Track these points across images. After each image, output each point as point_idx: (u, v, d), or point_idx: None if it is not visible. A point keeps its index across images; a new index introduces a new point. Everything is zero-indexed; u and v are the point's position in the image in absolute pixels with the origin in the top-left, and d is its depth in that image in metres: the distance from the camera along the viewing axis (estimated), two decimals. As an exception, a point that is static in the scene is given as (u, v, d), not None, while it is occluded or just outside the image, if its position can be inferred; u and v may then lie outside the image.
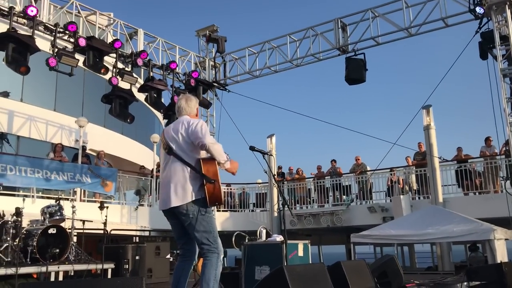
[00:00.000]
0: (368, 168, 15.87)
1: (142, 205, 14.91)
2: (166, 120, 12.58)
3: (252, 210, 17.73)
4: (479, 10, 10.36)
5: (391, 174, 15.03)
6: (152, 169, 15.95)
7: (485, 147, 13.55)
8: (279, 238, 6.95)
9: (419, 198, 14.47)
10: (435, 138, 13.47)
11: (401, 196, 13.57)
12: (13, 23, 9.34)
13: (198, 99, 4.61)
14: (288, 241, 6.40)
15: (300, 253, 6.86)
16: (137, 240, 12.56)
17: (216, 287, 3.95)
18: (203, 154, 4.17)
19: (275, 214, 15.96)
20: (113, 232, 11.32)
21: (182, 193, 3.99)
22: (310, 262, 7.10)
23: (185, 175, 4.04)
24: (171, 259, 10.74)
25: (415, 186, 14.67)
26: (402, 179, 14.96)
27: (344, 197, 15.93)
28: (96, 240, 10.70)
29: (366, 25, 11.93)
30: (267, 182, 16.56)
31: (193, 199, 3.99)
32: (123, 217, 14.05)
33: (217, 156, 4.05)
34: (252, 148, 5.24)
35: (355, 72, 11.75)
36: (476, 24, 10.66)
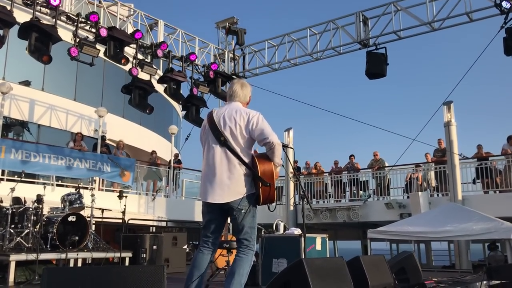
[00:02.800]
0: (386, 164, 15.73)
1: (154, 195, 14.97)
2: (184, 112, 12.61)
3: (269, 204, 17.71)
4: (505, 4, 10.12)
5: (413, 170, 14.88)
6: (170, 160, 16.03)
7: (507, 145, 13.32)
8: (297, 231, 6.94)
9: (437, 195, 14.32)
10: (455, 135, 13.27)
11: (420, 193, 13.43)
12: (36, 12, 9.42)
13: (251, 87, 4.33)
14: (306, 235, 6.39)
15: (318, 247, 6.84)
16: (154, 230, 12.67)
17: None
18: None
19: (291, 208, 15.93)
20: (130, 221, 11.43)
21: (237, 188, 3.84)
22: (328, 256, 7.07)
23: (240, 171, 3.86)
24: (188, 250, 10.79)
25: (433, 183, 14.50)
26: (421, 176, 14.79)
27: (361, 192, 15.84)
28: (114, 229, 10.80)
29: (388, 19, 11.76)
30: (283, 176, 16.52)
31: (247, 194, 3.87)
32: (141, 207, 14.18)
33: (276, 158, 3.89)
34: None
35: (376, 67, 11.59)
36: (501, 19, 10.45)
